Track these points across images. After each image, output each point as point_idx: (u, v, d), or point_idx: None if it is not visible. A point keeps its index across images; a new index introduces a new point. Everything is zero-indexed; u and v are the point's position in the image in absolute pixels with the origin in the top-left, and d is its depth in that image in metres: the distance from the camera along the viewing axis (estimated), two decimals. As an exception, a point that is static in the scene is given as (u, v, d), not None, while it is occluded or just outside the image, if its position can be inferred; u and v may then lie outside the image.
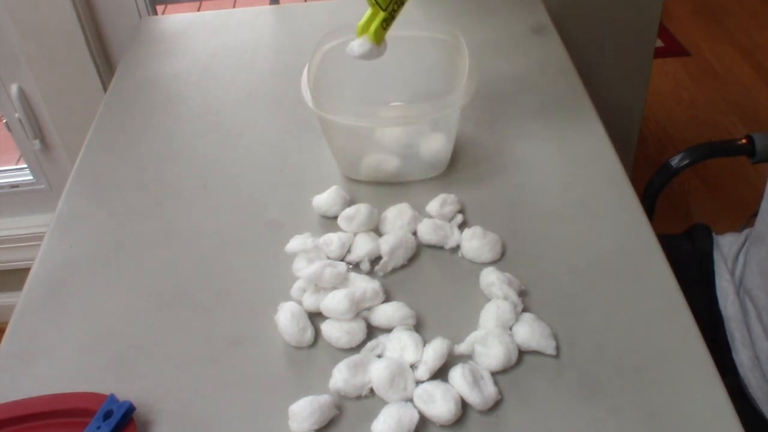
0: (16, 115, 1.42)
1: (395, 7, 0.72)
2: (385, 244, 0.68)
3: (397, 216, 0.72)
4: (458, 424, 0.56)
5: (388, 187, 0.79)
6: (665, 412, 0.56)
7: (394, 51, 0.74)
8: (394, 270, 0.69)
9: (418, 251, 0.71)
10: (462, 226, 0.73)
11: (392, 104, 0.86)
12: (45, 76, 1.35)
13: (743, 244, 0.87)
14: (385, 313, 0.63)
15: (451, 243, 0.71)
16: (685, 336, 0.61)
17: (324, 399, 0.56)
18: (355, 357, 0.59)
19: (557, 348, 0.60)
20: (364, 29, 0.72)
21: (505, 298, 0.63)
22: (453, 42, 0.80)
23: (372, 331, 0.63)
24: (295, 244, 0.69)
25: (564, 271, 0.68)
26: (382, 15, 0.72)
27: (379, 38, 0.72)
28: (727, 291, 0.84)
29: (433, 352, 0.58)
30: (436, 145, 0.78)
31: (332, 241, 0.69)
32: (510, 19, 1.08)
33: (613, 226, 0.73)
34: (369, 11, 0.72)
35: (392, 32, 0.72)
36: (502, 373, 0.59)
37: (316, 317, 0.64)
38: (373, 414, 0.56)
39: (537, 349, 0.60)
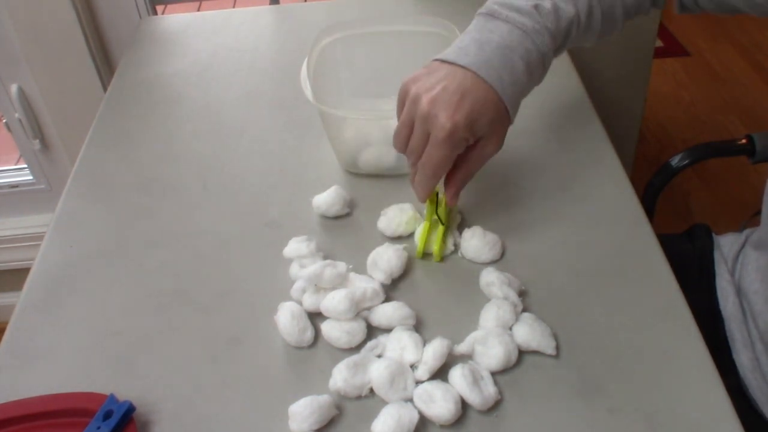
0: (16, 115, 1.42)
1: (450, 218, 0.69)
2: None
3: (396, 214, 0.72)
4: (458, 424, 0.56)
5: (388, 181, 0.79)
6: (665, 412, 0.56)
7: (392, 46, 0.74)
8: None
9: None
10: (462, 226, 0.73)
11: (391, 98, 0.86)
12: (45, 76, 1.35)
13: (743, 245, 0.87)
14: (385, 313, 0.63)
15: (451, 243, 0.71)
16: (685, 336, 0.61)
17: (324, 399, 0.56)
18: (355, 357, 0.59)
19: (557, 348, 0.60)
20: (423, 250, 0.69)
21: (505, 298, 0.63)
22: (449, 36, 0.80)
23: (372, 331, 0.63)
24: (291, 249, 0.68)
25: (564, 271, 0.68)
26: (442, 229, 0.69)
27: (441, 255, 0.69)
28: (728, 291, 0.84)
29: (433, 352, 0.58)
30: None
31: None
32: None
33: (613, 226, 0.73)
34: (423, 227, 0.69)
35: (390, 28, 0.72)
36: (502, 373, 0.59)
37: (316, 317, 0.64)
38: (373, 414, 0.56)
39: (537, 349, 0.60)
